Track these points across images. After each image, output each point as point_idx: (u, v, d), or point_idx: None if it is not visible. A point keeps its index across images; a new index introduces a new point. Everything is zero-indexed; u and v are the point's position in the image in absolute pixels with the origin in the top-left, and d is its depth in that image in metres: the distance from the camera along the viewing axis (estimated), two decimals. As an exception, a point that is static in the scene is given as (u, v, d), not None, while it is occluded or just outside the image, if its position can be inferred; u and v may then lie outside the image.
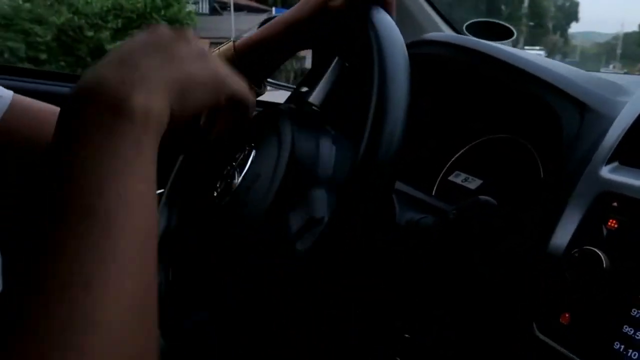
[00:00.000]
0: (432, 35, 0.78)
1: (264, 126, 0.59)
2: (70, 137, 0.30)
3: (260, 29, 0.65)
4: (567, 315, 0.48)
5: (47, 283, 0.26)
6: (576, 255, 0.48)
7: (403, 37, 0.84)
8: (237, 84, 0.42)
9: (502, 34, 1.05)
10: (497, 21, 1.07)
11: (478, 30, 1.08)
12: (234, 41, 0.64)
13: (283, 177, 0.50)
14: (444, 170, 0.86)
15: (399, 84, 0.45)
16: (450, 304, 0.58)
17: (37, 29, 5.42)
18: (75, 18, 5.50)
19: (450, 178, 0.82)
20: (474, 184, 0.77)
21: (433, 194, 0.86)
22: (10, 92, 0.57)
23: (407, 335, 0.61)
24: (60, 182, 0.28)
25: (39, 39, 5.46)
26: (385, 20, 0.53)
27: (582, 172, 0.52)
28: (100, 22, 5.68)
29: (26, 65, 5.22)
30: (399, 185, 0.82)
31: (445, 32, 0.85)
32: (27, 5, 5.60)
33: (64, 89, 1.07)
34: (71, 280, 0.26)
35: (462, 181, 0.79)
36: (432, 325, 0.61)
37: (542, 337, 0.49)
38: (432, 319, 0.61)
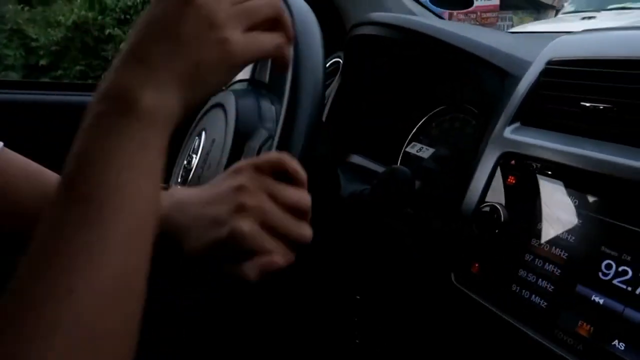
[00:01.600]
0: (373, 15, 0.83)
1: (211, 109, 0.66)
2: (81, 132, 0.32)
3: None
4: (476, 265, 0.53)
5: (33, 258, 0.28)
6: (484, 210, 0.53)
7: (361, 13, 0.88)
8: (253, 47, 0.37)
9: (464, 3, 1.08)
10: (458, -9, 1.10)
11: (441, 1, 1.11)
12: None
13: (233, 138, 0.57)
14: (405, 143, 0.91)
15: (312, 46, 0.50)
16: (384, 266, 0.64)
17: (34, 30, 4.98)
18: (90, 15, 5.15)
19: (408, 149, 0.87)
20: (427, 153, 0.82)
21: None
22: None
23: (357, 297, 0.67)
24: (67, 171, 0.31)
25: (34, 44, 5.02)
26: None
27: (491, 135, 0.57)
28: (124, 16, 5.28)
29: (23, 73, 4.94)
30: (360, 159, 0.88)
31: (384, 13, 0.88)
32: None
33: (71, 98, 1.14)
34: (56, 259, 0.28)
35: (417, 151, 0.84)
36: (377, 286, 0.67)
37: (458, 285, 0.54)
38: (376, 281, 0.67)
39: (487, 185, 0.54)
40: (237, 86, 0.72)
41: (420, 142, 0.87)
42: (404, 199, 0.56)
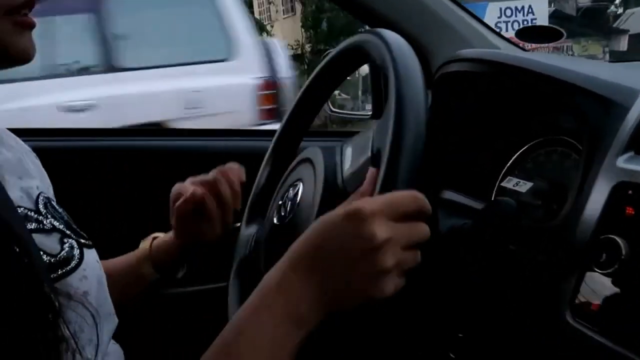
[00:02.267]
0: (462, 52, 0.83)
1: (304, 166, 0.70)
2: (246, 313, 0.44)
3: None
4: (596, 302, 0.50)
5: None
6: (600, 244, 0.51)
7: (447, 51, 0.89)
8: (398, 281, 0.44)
9: (552, 35, 1.06)
10: (545, 25, 1.08)
11: (528, 35, 1.10)
12: (153, 239, 0.76)
13: (321, 199, 0.59)
14: (499, 178, 0.89)
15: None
16: (490, 303, 0.62)
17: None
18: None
19: (503, 184, 0.85)
20: (524, 187, 0.80)
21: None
22: None
23: (460, 335, 0.65)
24: (225, 339, 0.45)
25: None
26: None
27: (602, 165, 0.55)
28: None
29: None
30: (453, 195, 0.87)
31: (475, 49, 0.89)
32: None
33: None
34: None
35: (513, 186, 0.82)
36: (482, 323, 0.64)
37: (574, 325, 0.51)
38: (481, 318, 0.65)
39: (602, 218, 0.52)
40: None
41: (515, 176, 0.85)
42: (510, 233, 0.55)
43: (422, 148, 0.50)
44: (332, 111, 1.29)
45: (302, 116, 0.78)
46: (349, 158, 0.66)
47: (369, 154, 0.60)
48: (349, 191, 0.61)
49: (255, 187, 0.82)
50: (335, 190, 0.63)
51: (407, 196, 0.45)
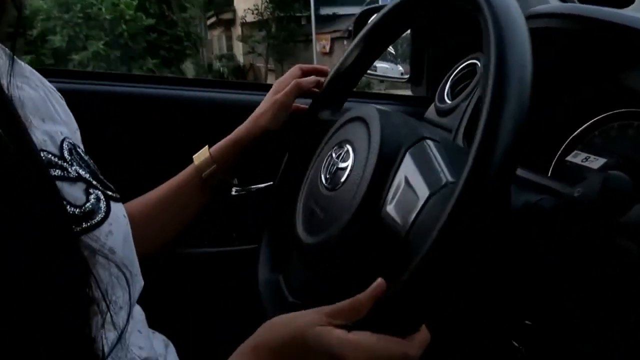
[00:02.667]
0: (538, 8, 0.74)
1: (356, 124, 0.62)
2: None
3: (235, 130, 0.75)
4: None
5: None
6: None
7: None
8: None
9: (620, 1, 0.96)
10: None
11: (592, -2, 1.00)
12: (208, 147, 0.74)
13: (376, 163, 0.54)
14: (560, 150, 0.81)
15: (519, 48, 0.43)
16: (576, 290, 0.55)
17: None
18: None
19: (569, 158, 0.77)
20: (596, 163, 0.72)
21: (549, 174, 0.81)
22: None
23: (528, 322, 0.58)
24: None
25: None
26: None
27: None
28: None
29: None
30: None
31: (551, 4, 0.80)
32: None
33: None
34: None
35: (582, 161, 0.74)
36: (556, 312, 0.57)
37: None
38: (555, 306, 0.58)
39: None
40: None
41: (582, 150, 0.77)
42: (620, 213, 0.47)
43: (527, 99, 0.42)
44: (367, 73, 1.20)
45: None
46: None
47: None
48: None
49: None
50: (390, 166, 0.55)
51: (401, 353, 0.44)
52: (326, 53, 12.75)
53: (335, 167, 0.62)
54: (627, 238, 0.53)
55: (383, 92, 1.23)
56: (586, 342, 0.55)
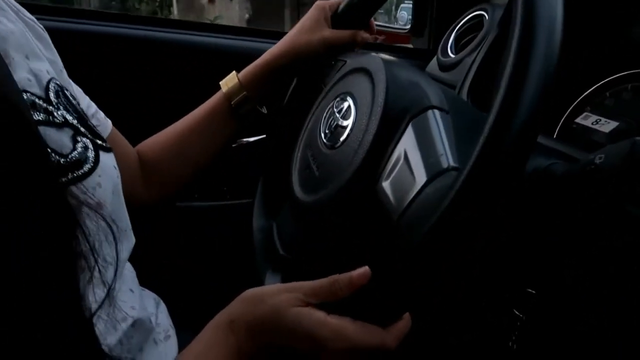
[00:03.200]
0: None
1: (360, 77, 0.57)
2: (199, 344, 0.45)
3: (264, 54, 0.70)
4: None
5: None
6: None
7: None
8: None
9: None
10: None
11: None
12: (236, 72, 0.69)
13: (377, 128, 0.50)
14: (568, 112, 0.77)
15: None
16: (581, 259, 0.53)
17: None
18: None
19: (578, 120, 0.73)
20: (607, 126, 0.69)
21: (554, 136, 0.78)
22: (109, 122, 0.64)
23: (530, 290, 0.57)
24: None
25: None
26: None
27: None
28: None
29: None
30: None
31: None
32: None
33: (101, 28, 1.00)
34: None
35: (592, 123, 0.71)
36: (559, 281, 0.56)
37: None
38: (559, 275, 0.56)
39: None
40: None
41: (591, 113, 0.74)
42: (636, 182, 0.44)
43: (556, 60, 0.38)
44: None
45: None
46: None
47: None
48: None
49: None
50: (393, 134, 0.51)
51: (377, 344, 0.43)
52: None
53: (335, 122, 0.59)
54: (636, 206, 0.50)
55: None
56: (588, 312, 0.54)
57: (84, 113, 0.52)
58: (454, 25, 0.99)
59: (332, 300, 0.44)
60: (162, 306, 0.65)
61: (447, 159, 0.46)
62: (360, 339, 0.42)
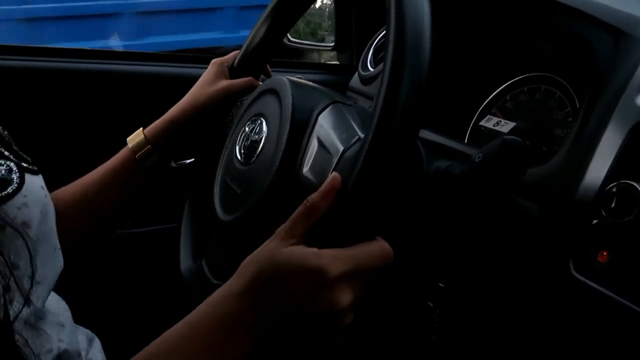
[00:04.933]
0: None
1: (268, 97, 0.61)
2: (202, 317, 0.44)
3: (170, 110, 0.73)
4: (604, 253, 0.46)
5: None
6: (613, 190, 0.46)
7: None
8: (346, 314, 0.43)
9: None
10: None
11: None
12: (142, 128, 0.72)
13: (286, 143, 0.53)
14: (475, 116, 0.83)
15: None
16: (481, 251, 0.57)
17: None
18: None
19: (482, 123, 0.79)
20: (506, 127, 0.74)
21: (466, 141, 0.83)
22: None
23: (441, 285, 0.60)
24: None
25: None
26: None
27: (617, 103, 0.49)
28: None
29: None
30: (428, 134, 0.81)
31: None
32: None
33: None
34: None
35: (494, 125, 0.76)
36: (466, 273, 0.60)
37: (579, 276, 0.47)
38: (465, 267, 0.60)
39: (617, 162, 0.47)
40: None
41: (494, 115, 0.79)
42: (517, 176, 0.49)
43: (427, 68, 0.43)
44: (290, 41, 1.18)
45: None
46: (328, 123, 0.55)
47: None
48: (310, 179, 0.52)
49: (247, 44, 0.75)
50: (303, 132, 0.55)
51: (376, 255, 0.43)
52: None
53: (249, 140, 0.61)
54: (527, 198, 0.55)
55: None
56: (493, 301, 0.58)
57: (9, 139, 0.52)
58: (372, 40, 1.04)
59: (316, 220, 0.43)
60: (97, 342, 0.65)
61: (357, 131, 0.52)
62: (358, 253, 0.42)
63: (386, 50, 0.44)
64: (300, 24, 1.24)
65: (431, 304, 0.61)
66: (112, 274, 0.93)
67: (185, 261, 0.70)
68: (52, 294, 0.57)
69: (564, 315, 0.50)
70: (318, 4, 1.20)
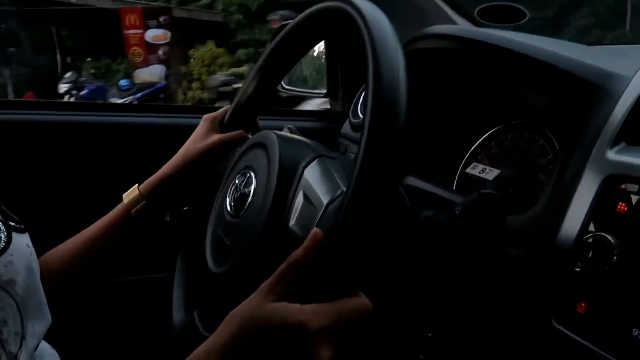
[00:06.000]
0: (434, 28, 0.78)
1: (256, 151, 0.63)
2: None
3: (163, 167, 0.75)
4: (583, 304, 0.47)
5: None
6: (589, 241, 0.47)
7: (410, 30, 0.84)
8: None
9: (515, 16, 1.03)
10: (509, 4, 1.04)
11: (491, 14, 1.06)
12: (138, 185, 0.75)
13: (277, 184, 0.55)
14: (462, 164, 0.85)
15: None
16: (466, 300, 0.58)
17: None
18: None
19: (468, 171, 0.81)
20: (491, 174, 0.76)
21: (454, 188, 0.85)
22: None
23: (430, 335, 0.61)
24: None
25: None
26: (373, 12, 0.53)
27: (589, 156, 0.51)
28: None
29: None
30: (417, 182, 0.82)
31: (448, 25, 0.84)
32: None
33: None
34: None
35: (479, 173, 0.78)
36: (453, 322, 0.60)
37: (559, 327, 0.48)
38: (452, 317, 0.60)
39: (591, 214, 0.48)
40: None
41: (480, 162, 0.81)
42: (493, 228, 0.50)
43: (402, 120, 0.45)
44: (284, 89, 1.21)
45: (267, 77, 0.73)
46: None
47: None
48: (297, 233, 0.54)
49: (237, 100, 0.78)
50: (290, 185, 0.57)
51: (356, 309, 0.44)
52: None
53: (239, 193, 0.63)
54: (511, 245, 0.56)
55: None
56: (480, 350, 0.58)
57: None
58: (362, 88, 1.07)
59: (299, 275, 0.44)
60: None
61: (340, 186, 0.53)
62: (339, 309, 0.43)
63: (365, 107, 0.46)
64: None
65: (422, 357, 0.61)
66: (105, 323, 0.93)
67: (177, 313, 0.70)
68: (43, 342, 0.58)
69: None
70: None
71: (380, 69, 0.47)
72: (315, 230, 0.46)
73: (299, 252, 0.45)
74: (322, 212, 0.52)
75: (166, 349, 0.73)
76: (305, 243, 0.45)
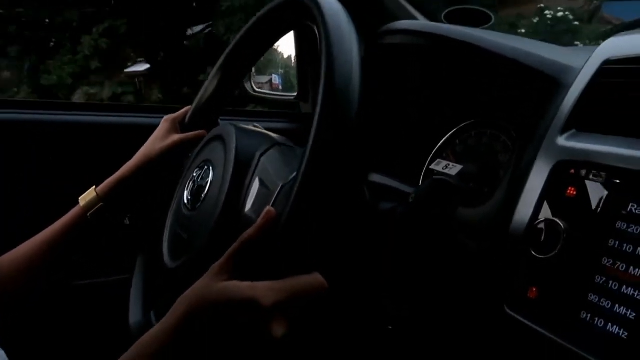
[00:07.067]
0: (400, 23, 0.78)
1: (215, 143, 0.62)
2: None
3: (122, 168, 0.75)
4: (534, 289, 0.47)
5: None
6: (539, 227, 0.47)
7: (375, 27, 0.85)
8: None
9: (481, 19, 1.04)
10: (474, 7, 1.06)
11: (456, 17, 1.07)
12: (95, 187, 0.74)
13: (229, 186, 0.53)
14: (428, 160, 0.85)
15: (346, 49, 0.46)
16: (428, 289, 0.57)
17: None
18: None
19: (432, 167, 0.81)
20: (454, 170, 0.76)
21: (420, 184, 0.85)
22: None
23: (389, 327, 0.60)
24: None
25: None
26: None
27: (542, 145, 0.51)
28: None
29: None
30: (381, 178, 0.83)
31: (411, 21, 0.85)
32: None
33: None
34: None
35: (443, 168, 0.79)
36: (415, 310, 0.60)
37: (511, 313, 0.48)
38: (415, 304, 0.60)
39: (542, 200, 0.48)
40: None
41: (444, 159, 0.82)
42: (449, 213, 0.50)
43: (355, 107, 0.44)
44: (255, 92, 1.21)
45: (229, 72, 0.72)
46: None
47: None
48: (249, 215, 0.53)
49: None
50: (246, 173, 0.56)
51: (309, 286, 0.43)
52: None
53: (196, 186, 0.62)
54: (468, 237, 0.56)
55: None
56: (440, 338, 0.58)
57: None
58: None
59: (250, 254, 0.44)
60: None
61: (297, 169, 0.52)
62: (292, 285, 0.42)
63: (317, 94, 0.46)
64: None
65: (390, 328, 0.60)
66: (61, 326, 0.91)
67: (134, 314, 0.69)
68: None
69: (501, 352, 0.50)
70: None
71: (332, 56, 0.46)
72: (267, 208, 0.45)
73: (250, 230, 0.45)
74: (276, 193, 0.51)
75: (122, 351, 0.71)
76: (258, 221, 0.45)
